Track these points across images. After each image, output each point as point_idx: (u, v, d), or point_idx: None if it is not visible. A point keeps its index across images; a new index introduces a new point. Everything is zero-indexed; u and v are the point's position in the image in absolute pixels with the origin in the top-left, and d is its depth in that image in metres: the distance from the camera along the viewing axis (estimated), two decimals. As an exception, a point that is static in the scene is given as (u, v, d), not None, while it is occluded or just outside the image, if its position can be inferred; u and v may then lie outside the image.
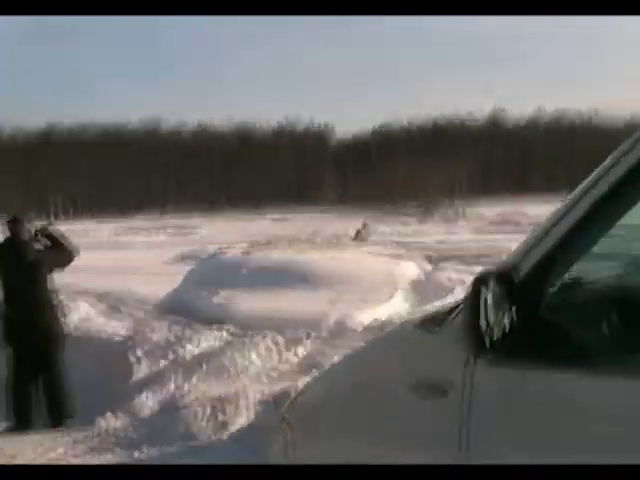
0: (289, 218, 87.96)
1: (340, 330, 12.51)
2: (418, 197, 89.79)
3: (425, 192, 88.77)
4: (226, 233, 58.56)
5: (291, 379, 8.95)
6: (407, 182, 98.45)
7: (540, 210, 54.44)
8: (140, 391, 8.91)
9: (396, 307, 15.02)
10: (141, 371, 9.45)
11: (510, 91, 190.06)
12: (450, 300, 15.44)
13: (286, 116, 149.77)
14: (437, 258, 29.60)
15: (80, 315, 14.56)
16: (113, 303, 17.52)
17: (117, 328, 12.76)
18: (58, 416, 8.65)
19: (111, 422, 8.35)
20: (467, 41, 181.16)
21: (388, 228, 55.84)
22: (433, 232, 51.23)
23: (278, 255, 22.45)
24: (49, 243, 8.93)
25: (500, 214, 63.84)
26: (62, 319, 9.00)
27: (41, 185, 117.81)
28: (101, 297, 18.60)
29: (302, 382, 8.13)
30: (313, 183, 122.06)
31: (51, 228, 9.06)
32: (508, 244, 33.52)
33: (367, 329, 12.54)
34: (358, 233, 49.77)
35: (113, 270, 29.36)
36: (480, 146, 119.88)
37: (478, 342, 2.76)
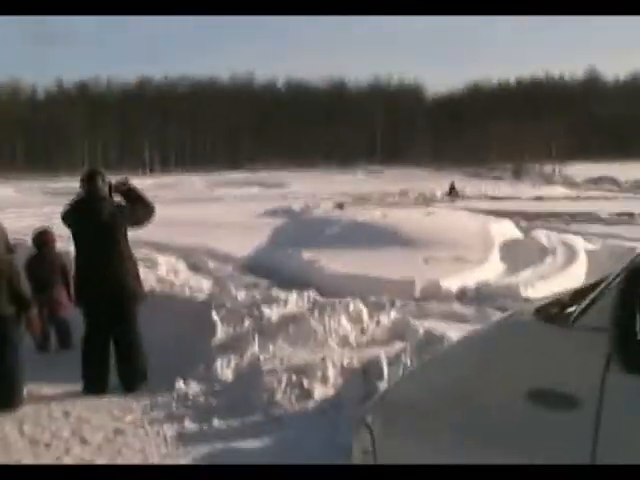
0: (381, 174, 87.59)
1: (432, 294, 11.94)
2: (510, 157, 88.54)
3: (518, 152, 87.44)
4: (318, 188, 58.55)
5: (378, 347, 8.44)
6: (499, 142, 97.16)
7: (636, 175, 53.26)
8: (222, 353, 8.43)
9: (493, 268, 14.38)
10: (223, 332, 8.95)
11: (605, 50, 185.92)
12: (551, 261, 14.78)
13: (377, 73, 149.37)
14: (532, 216, 28.90)
15: (162, 272, 14.26)
16: (198, 260, 17.20)
17: (200, 286, 12.39)
18: (133, 379, 8.23)
19: (190, 386, 7.93)
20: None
21: (481, 187, 55.13)
22: (526, 191, 50.46)
23: (370, 212, 21.95)
24: (126, 199, 8.47)
25: (594, 177, 62.75)
26: (140, 277, 8.55)
27: (136, 138, 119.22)
28: (187, 253, 18.31)
29: (388, 351, 7.66)
30: (405, 140, 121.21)
31: (129, 184, 8.57)
32: (603, 205, 32.88)
33: (461, 293, 11.96)
34: (452, 190, 49.21)
35: (204, 224, 29.25)
36: (575, 107, 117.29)
37: (630, 345, 2.15)
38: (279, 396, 7.28)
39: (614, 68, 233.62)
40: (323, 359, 7.65)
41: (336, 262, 14.69)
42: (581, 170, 73.78)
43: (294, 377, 7.41)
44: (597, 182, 61.50)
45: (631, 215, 28.89)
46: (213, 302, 9.61)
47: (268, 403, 7.26)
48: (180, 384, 7.94)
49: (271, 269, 15.62)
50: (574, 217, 29.48)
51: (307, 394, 7.29)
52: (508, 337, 2.94)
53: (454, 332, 7.78)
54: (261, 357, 8.24)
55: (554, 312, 2.80)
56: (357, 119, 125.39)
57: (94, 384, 8.16)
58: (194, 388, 7.89)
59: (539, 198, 44.99)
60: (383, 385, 6.81)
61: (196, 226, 28.71)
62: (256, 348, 8.46)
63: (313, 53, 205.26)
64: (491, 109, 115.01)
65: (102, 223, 8.13)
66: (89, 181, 8.30)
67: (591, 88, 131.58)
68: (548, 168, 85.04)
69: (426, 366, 3.77)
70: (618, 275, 2.32)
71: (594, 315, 2.39)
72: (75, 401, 7.95)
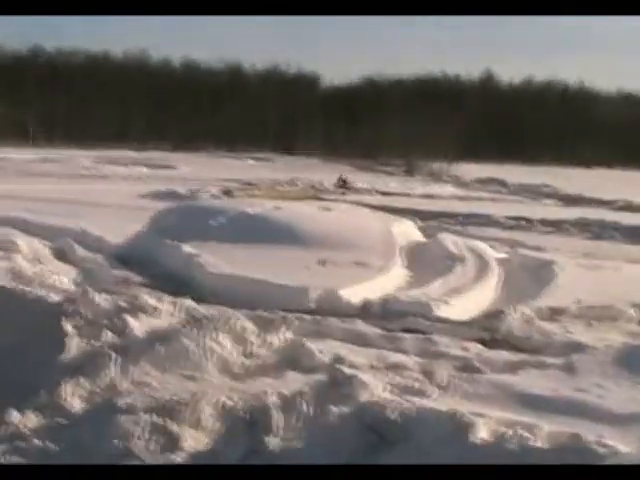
0: (271, 162, 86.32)
1: (330, 306, 10.39)
2: (402, 153, 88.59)
3: (410, 149, 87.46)
4: (207, 172, 56.91)
5: (266, 377, 6.84)
6: (391, 137, 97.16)
7: (522, 179, 54.19)
8: (71, 376, 6.70)
9: (398, 277, 12.89)
10: (75, 347, 7.19)
11: (499, 54, 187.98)
12: (461, 271, 13.35)
13: (274, 60, 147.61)
14: (426, 215, 27.69)
15: (19, 260, 12.43)
16: (66, 245, 15.33)
17: (59, 281, 10.60)
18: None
19: (27, 419, 6.18)
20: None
21: (371, 181, 54.41)
22: (416, 188, 50.14)
23: (259, 201, 20.35)
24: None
25: (482, 178, 63.01)
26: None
27: (22, 108, 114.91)
28: (56, 236, 16.47)
29: (279, 387, 6.10)
30: (297, 129, 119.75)
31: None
32: (492, 206, 32.29)
33: (364, 308, 10.45)
34: (342, 181, 48.09)
35: (83, 202, 27.36)
36: (468, 107, 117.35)
37: None
38: (137, 443, 5.59)
39: (509, 71, 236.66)
40: (195, 395, 5.96)
41: (220, 259, 13.04)
42: (470, 170, 73.95)
43: (158, 418, 5.71)
44: (485, 183, 61.47)
45: (529, 220, 27.94)
46: (70, 306, 7.76)
47: (122, 452, 5.58)
48: (14, 417, 6.19)
49: (146, 261, 13.93)
50: (468, 218, 28.48)
51: (174, 443, 5.62)
52: None
53: (364, 368, 6.24)
54: (120, 384, 6.56)
55: None
56: (251, 105, 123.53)
57: None
58: (31, 421, 6.16)
59: (429, 196, 44.63)
60: (272, 441, 5.22)
61: (74, 204, 26.95)
62: (114, 371, 6.77)
63: (213, 35, 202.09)
64: (385, 104, 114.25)
65: None
66: None
67: (486, 89, 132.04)
68: (438, 166, 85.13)
69: None
70: None
71: None
72: None
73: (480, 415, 4.89)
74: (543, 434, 4.85)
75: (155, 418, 5.74)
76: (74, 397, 6.47)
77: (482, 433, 4.66)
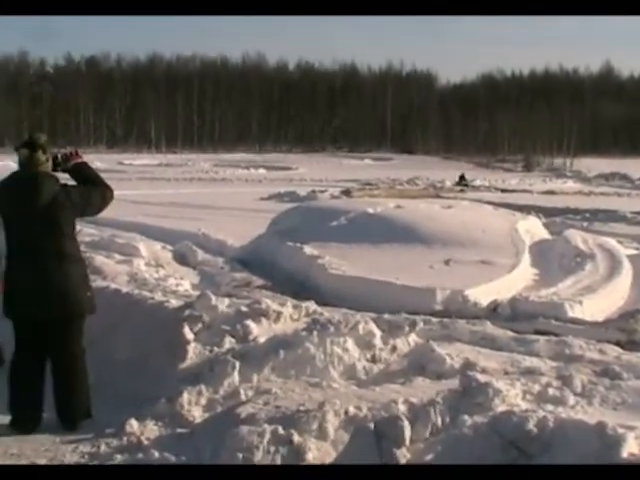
0: (390, 161, 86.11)
1: (456, 307, 10.02)
2: (521, 149, 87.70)
3: (529, 144, 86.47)
4: (326, 172, 57.11)
5: (393, 384, 6.53)
6: (511, 133, 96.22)
7: None
8: (191, 383, 6.51)
9: (526, 276, 12.44)
10: (196, 354, 7.01)
11: (621, 45, 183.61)
12: (592, 269, 12.81)
13: (389, 59, 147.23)
14: (549, 212, 27.07)
15: (140, 264, 12.36)
16: (184, 250, 15.28)
17: (180, 286, 10.46)
18: (72, 415, 6.29)
19: (146, 427, 6.01)
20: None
21: (490, 178, 53.89)
22: (537, 185, 49.54)
23: (380, 201, 20.05)
24: (74, 178, 6.48)
25: (605, 173, 61.82)
26: (89, 283, 6.51)
27: (144, 115, 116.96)
28: (177, 240, 16.46)
29: (407, 395, 5.75)
30: (415, 128, 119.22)
31: (79, 157, 6.53)
32: (617, 201, 31.45)
33: (492, 309, 10.05)
34: (461, 180, 47.71)
35: (204, 206, 27.56)
36: (588, 101, 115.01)
37: None
38: (259, 456, 5.31)
39: (630, 63, 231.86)
40: (322, 404, 5.66)
41: (343, 260, 12.77)
42: (592, 165, 72.63)
43: (281, 429, 5.42)
44: (609, 178, 60.07)
45: (656, 215, 27.03)
46: (190, 312, 7.56)
47: (244, 461, 5.30)
48: (132, 425, 6.01)
49: (268, 264, 13.77)
50: (594, 214, 27.74)
51: (297, 454, 5.32)
52: None
53: (496, 373, 5.87)
54: (241, 392, 6.34)
55: None
56: (367, 105, 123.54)
57: (23, 420, 6.24)
58: (150, 431, 5.98)
59: (551, 192, 43.99)
60: (403, 454, 4.89)
61: (195, 208, 27.21)
62: (236, 379, 6.56)
63: (326, 36, 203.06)
64: (503, 100, 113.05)
65: (42, 209, 6.11)
66: (26, 153, 6.27)
67: (605, 83, 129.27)
68: (559, 161, 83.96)
69: None
70: None
71: None
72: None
73: (629, 428, 4.49)
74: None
75: (278, 429, 5.46)
76: (194, 406, 6.28)
77: (633, 448, 4.26)
